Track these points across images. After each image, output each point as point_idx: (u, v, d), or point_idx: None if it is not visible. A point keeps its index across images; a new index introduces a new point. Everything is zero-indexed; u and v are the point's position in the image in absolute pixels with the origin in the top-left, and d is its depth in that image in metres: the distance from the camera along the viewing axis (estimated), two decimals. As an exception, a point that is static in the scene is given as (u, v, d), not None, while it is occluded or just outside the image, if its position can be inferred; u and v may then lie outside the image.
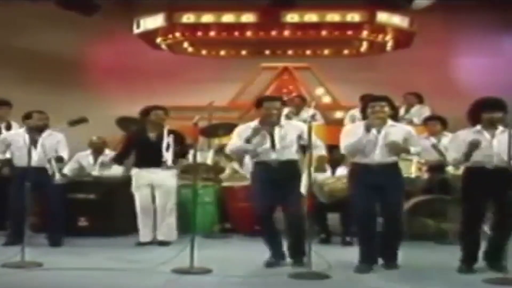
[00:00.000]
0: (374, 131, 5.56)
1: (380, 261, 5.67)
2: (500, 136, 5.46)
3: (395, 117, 5.90)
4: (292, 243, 5.74)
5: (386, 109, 5.62)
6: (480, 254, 5.59)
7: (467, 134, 5.60)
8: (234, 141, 5.85)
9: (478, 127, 5.57)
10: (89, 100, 11.48)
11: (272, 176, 5.66)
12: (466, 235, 5.62)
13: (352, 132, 5.66)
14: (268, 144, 5.70)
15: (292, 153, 5.74)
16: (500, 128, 5.52)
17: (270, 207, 5.72)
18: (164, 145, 6.76)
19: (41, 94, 10.67)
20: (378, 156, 5.55)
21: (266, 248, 5.81)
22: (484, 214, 5.62)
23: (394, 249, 5.70)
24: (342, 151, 5.76)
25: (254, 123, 5.80)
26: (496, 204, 5.52)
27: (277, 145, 5.68)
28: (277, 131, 5.72)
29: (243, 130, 5.81)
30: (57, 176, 6.64)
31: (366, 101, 5.78)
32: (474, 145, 5.40)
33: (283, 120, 5.85)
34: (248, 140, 5.67)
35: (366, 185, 5.53)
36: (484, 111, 5.52)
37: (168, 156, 6.75)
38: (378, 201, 5.58)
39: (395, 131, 5.63)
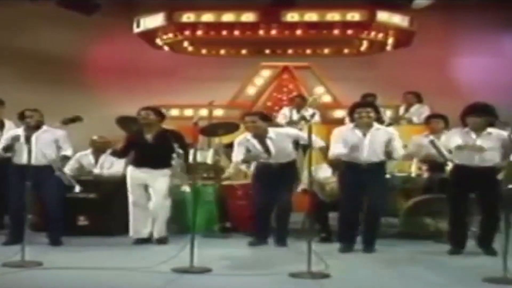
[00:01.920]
0: (359, 133, 6.29)
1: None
2: (485, 138, 6.12)
3: (379, 120, 6.68)
4: (278, 230, 6.70)
5: (371, 114, 6.33)
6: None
7: (456, 133, 6.35)
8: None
9: (467, 128, 6.24)
10: (89, 99, 11.50)
11: (271, 176, 6.57)
12: (455, 223, 6.34)
13: (340, 138, 6.34)
14: (264, 153, 6.62)
15: (289, 156, 6.68)
16: (488, 130, 6.13)
17: (268, 203, 6.63)
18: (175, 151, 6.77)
19: (41, 93, 10.69)
20: (365, 155, 6.25)
21: (254, 234, 6.75)
22: (467, 207, 6.32)
23: (373, 239, 6.39)
24: (330, 155, 6.50)
25: (248, 135, 6.69)
26: (480, 201, 6.22)
27: (273, 153, 6.60)
28: (269, 143, 6.62)
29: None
30: (77, 187, 6.74)
31: (352, 107, 6.51)
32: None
33: (271, 132, 6.65)
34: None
35: (354, 181, 6.27)
36: (468, 116, 6.21)
37: (180, 157, 6.80)
38: (365, 193, 6.28)
39: (380, 133, 6.33)
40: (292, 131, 6.98)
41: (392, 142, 6.30)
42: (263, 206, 6.65)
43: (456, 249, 6.27)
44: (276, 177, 6.56)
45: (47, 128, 6.86)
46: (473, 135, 6.17)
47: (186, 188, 7.55)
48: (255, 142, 6.64)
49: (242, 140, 6.72)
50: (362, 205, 6.36)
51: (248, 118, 6.74)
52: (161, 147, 6.79)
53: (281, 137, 6.66)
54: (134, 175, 6.97)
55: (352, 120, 6.42)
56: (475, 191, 6.23)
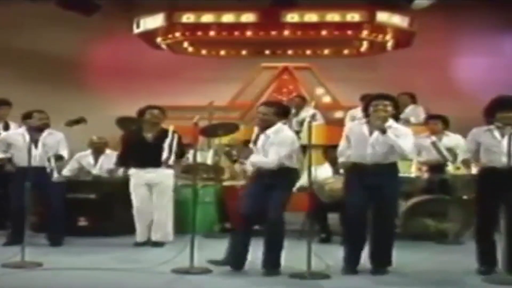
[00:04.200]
0: (367, 132, 5.48)
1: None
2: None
3: (397, 117, 5.72)
4: (266, 251, 5.48)
5: (389, 108, 5.50)
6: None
7: (478, 133, 5.57)
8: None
9: (491, 126, 5.49)
10: (89, 100, 11.49)
11: (262, 179, 5.54)
12: (482, 237, 5.51)
13: (351, 134, 5.59)
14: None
15: (274, 163, 5.46)
16: None
17: (256, 210, 5.48)
18: (167, 144, 6.73)
19: (40, 94, 10.69)
20: (374, 156, 5.44)
21: (227, 245, 5.60)
22: (497, 215, 5.49)
23: (385, 253, 5.53)
24: (338, 153, 5.74)
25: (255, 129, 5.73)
26: (507, 206, 5.37)
27: (259, 152, 5.55)
28: (261, 138, 5.56)
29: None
30: (55, 174, 6.61)
31: (370, 99, 5.66)
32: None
33: (270, 130, 5.54)
34: None
35: (361, 185, 5.43)
36: (499, 110, 5.43)
37: (170, 154, 6.72)
38: (372, 201, 5.46)
39: (393, 132, 5.43)
40: (282, 139, 5.56)
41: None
42: (246, 214, 5.53)
43: (490, 269, 5.43)
44: (266, 182, 5.49)
45: (51, 131, 6.88)
46: (498, 135, 5.43)
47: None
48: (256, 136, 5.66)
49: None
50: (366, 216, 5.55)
51: (260, 108, 5.70)
52: (162, 146, 6.79)
53: (273, 140, 5.51)
54: (139, 176, 6.93)
55: (367, 115, 5.58)
56: (506, 197, 5.35)
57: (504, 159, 5.28)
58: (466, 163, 5.98)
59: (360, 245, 5.50)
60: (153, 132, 6.94)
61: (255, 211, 5.47)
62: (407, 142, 5.43)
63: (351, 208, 5.52)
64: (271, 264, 5.44)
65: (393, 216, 5.67)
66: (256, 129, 5.70)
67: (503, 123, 5.38)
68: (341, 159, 5.69)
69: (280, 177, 5.49)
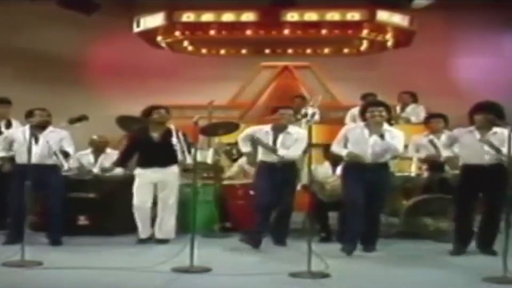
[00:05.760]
0: (367, 134, 6.26)
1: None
2: (491, 137, 6.09)
3: (389, 120, 6.73)
4: (278, 229, 6.78)
5: (384, 113, 6.33)
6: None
7: (460, 133, 6.38)
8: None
9: (472, 127, 6.23)
10: (89, 99, 11.49)
11: (274, 175, 6.62)
12: (460, 223, 6.33)
13: (345, 136, 6.39)
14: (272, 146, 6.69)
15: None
16: (493, 129, 6.09)
17: (270, 202, 6.61)
18: (177, 144, 6.80)
19: (40, 93, 10.67)
20: (371, 156, 6.23)
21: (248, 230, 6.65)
22: (474, 207, 6.31)
23: (374, 238, 6.43)
24: (331, 149, 6.53)
25: (267, 128, 6.78)
26: (486, 198, 6.23)
27: (278, 148, 6.66)
28: (284, 137, 6.68)
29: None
30: (65, 165, 6.74)
31: (366, 105, 6.52)
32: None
33: (291, 127, 6.78)
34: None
35: (358, 180, 6.21)
36: (476, 114, 6.19)
37: (184, 155, 6.87)
38: (367, 194, 6.22)
39: (387, 135, 6.26)
40: (303, 135, 6.63)
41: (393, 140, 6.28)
42: (264, 205, 6.62)
43: (460, 249, 6.25)
44: (279, 177, 6.60)
45: (53, 129, 6.88)
46: (477, 135, 6.16)
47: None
48: (271, 135, 6.72)
49: (258, 130, 6.81)
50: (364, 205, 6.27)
51: (283, 110, 6.83)
52: (168, 145, 6.82)
53: (297, 136, 6.69)
54: (144, 175, 6.94)
55: (364, 119, 6.40)
56: (483, 191, 6.22)
57: (486, 157, 6.09)
58: (451, 161, 6.63)
59: (358, 228, 6.26)
60: (160, 131, 6.96)
61: (270, 205, 6.63)
62: (399, 143, 6.34)
63: (352, 198, 6.24)
64: (283, 240, 6.74)
65: (383, 206, 6.56)
66: (266, 129, 6.76)
67: (477, 124, 6.18)
68: (345, 151, 6.36)
69: (291, 169, 6.71)
